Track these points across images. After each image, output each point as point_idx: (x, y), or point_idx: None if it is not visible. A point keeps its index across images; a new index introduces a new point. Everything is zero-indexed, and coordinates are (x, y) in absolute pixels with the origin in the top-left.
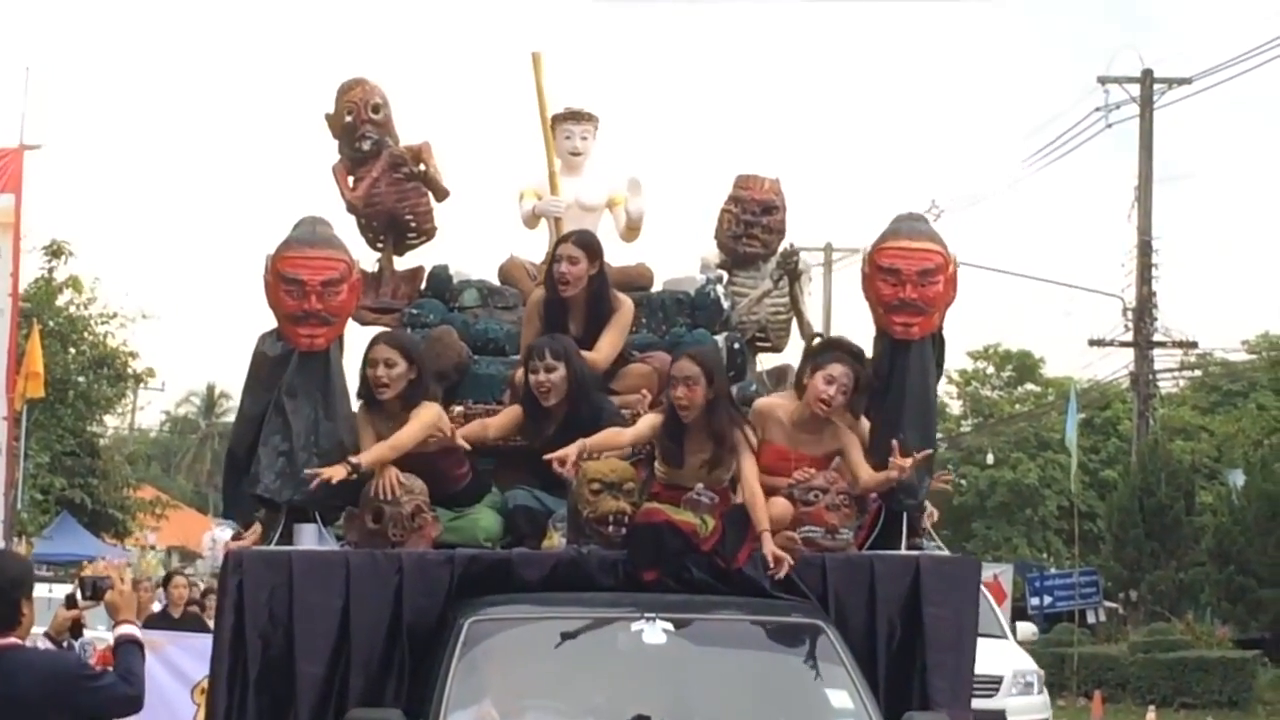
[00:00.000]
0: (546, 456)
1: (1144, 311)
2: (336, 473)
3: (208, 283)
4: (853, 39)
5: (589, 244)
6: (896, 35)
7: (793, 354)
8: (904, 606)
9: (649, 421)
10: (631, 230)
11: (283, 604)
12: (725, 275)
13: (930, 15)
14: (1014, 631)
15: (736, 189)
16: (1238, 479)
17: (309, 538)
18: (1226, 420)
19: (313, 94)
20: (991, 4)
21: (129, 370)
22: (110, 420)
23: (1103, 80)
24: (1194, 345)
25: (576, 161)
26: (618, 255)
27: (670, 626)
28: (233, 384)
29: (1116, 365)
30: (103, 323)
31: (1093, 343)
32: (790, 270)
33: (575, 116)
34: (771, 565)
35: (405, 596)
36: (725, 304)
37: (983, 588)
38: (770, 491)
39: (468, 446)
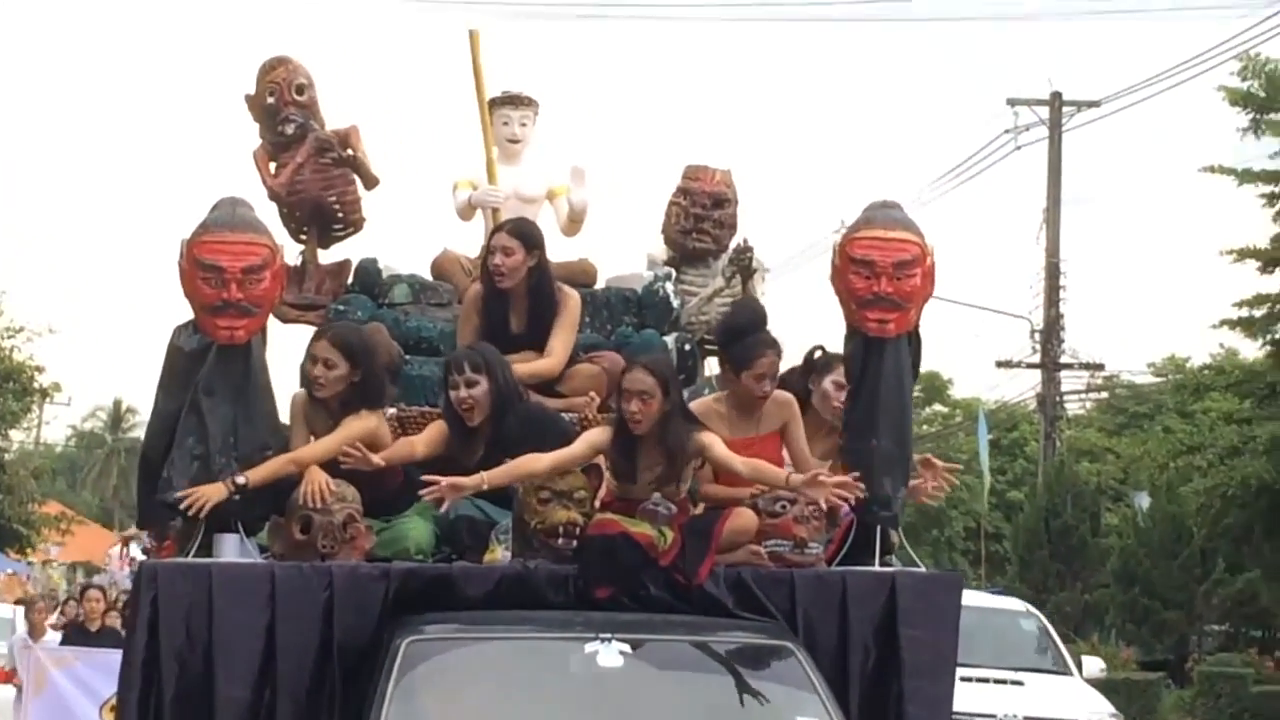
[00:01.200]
0: (427, 492)
1: (1051, 333)
2: (212, 493)
3: (114, 297)
4: (762, 63)
5: (524, 233)
6: (808, 58)
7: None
8: (879, 627)
9: (588, 441)
10: (574, 223)
11: (201, 622)
12: (673, 272)
13: (843, 39)
14: (1080, 667)
15: (685, 180)
16: (1143, 501)
17: (230, 549)
18: (1132, 442)
19: (229, 76)
20: (900, 28)
21: (35, 385)
22: (16, 435)
23: (1012, 102)
24: (1101, 367)
25: (514, 149)
26: (559, 250)
27: (627, 648)
28: (140, 399)
29: (1024, 386)
30: (8, 337)
31: (1000, 364)
32: (744, 267)
33: (514, 101)
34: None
35: (336, 614)
36: (675, 303)
37: None
38: (733, 501)
39: (379, 463)
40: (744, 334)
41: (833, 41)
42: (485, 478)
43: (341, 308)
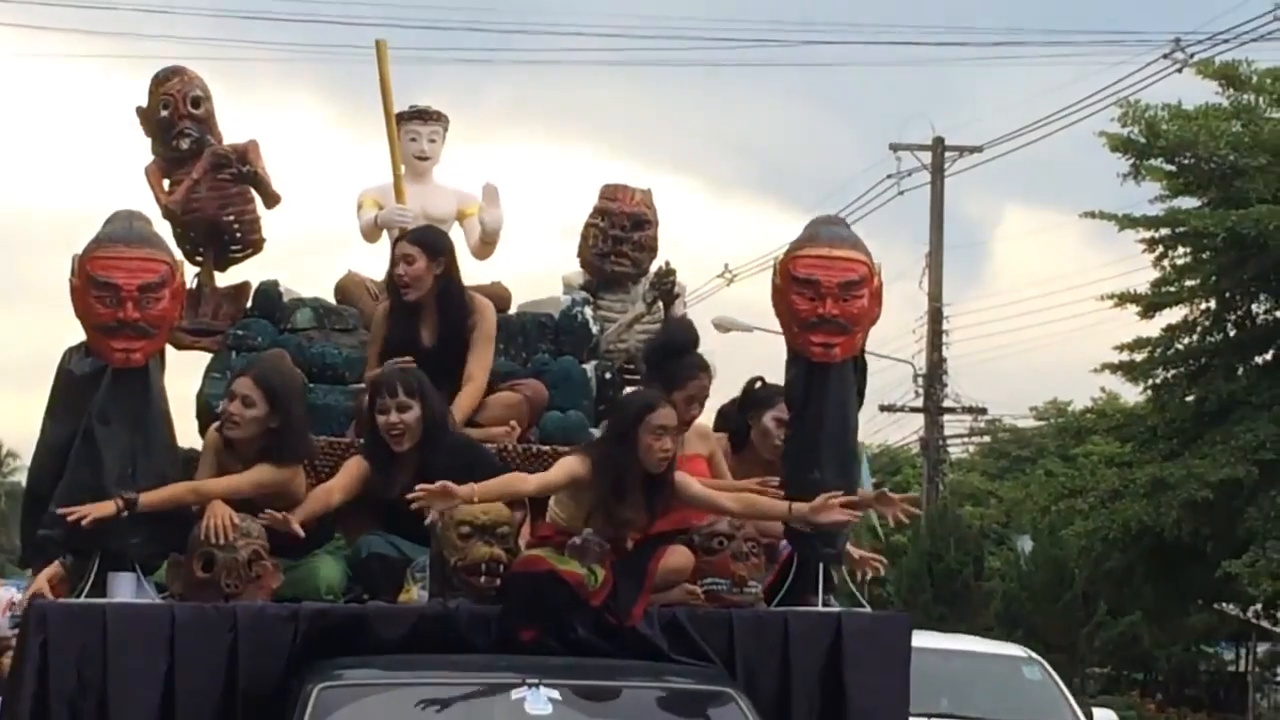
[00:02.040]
0: (414, 493)
1: (934, 377)
2: (102, 509)
3: None
4: (649, 108)
5: (426, 240)
6: (695, 103)
7: None
8: (824, 671)
9: (567, 469)
10: (486, 245)
11: (95, 667)
12: (590, 297)
13: (727, 84)
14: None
15: (603, 200)
16: (1025, 544)
17: (125, 588)
18: (1015, 486)
19: (120, 88)
20: (782, 72)
21: None
22: None
23: (895, 147)
24: (983, 411)
25: (423, 167)
26: (471, 274)
27: (556, 694)
28: (19, 443)
29: (907, 431)
30: None
31: (883, 408)
32: (665, 292)
33: (422, 116)
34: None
35: (241, 658)
36: (594, 329)
37: None
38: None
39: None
40: (676, 354)
41: (716, 86)
42: (476, 490)
43: (240, 332)
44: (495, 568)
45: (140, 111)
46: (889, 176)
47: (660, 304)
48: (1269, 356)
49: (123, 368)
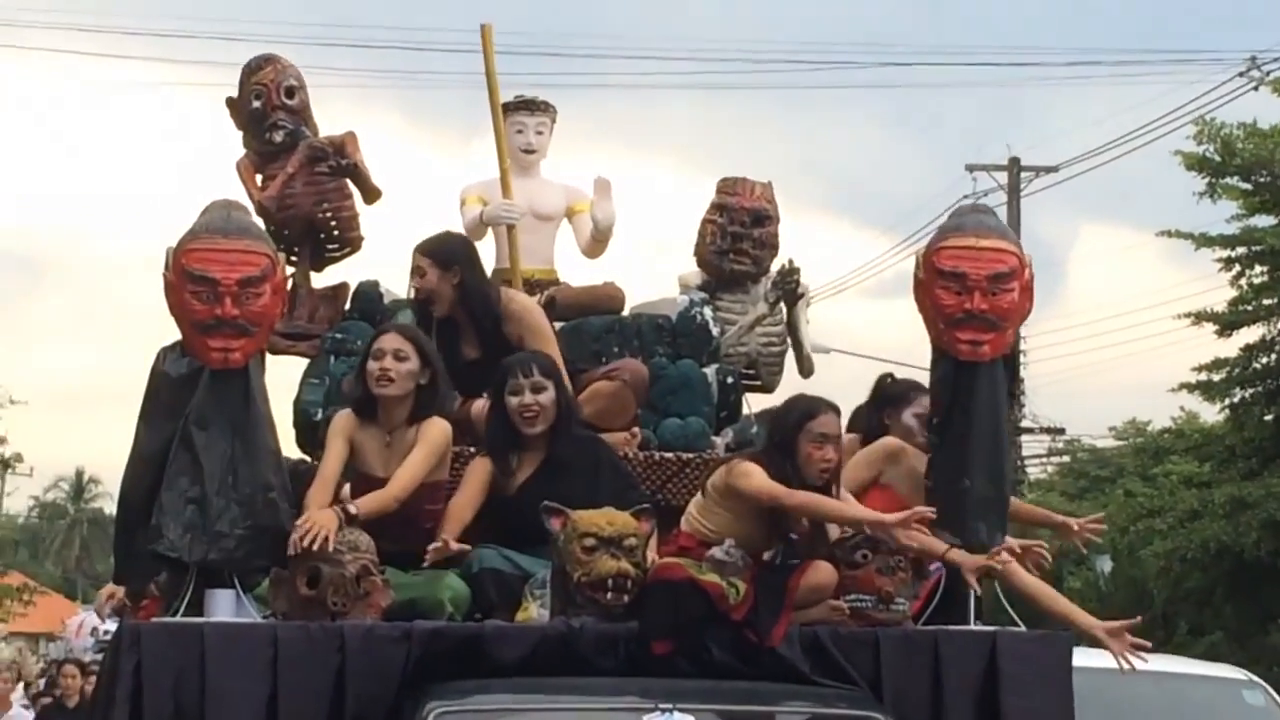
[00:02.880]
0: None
1: (1013, 398)
2: (327, 522)
3: (76, 367)
4: (727, 132)
5: (435, 250)
6: (771, 126)
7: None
8: (978, 696)
9: (771, 490)
10: (598, 242)
11: (193, 691)
12: (709, 298)
13: (803, 107)
14: None
15: (721, 195)
16: (1105, 565)
17: (224, 607)
18: (1094, 506)
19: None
20: (857, 95)
21: None
22: None
23: (971, 168)
24: (1062, 431)
25: (530, 160)
26: (579, 273)
27: (691, 719)
28: (102, 469)
29: None
30: None
31: None
32: (789, 292)
33: (529, 106)
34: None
35: (349, 681)
36: (714, 330)
37: None
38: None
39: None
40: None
41: (794, 109)
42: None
43: (339, 336)
44: (623, 583)
45: (231, 103)
46: (965, 197)
47: (783, 305)
48: None
49: (221, 368)
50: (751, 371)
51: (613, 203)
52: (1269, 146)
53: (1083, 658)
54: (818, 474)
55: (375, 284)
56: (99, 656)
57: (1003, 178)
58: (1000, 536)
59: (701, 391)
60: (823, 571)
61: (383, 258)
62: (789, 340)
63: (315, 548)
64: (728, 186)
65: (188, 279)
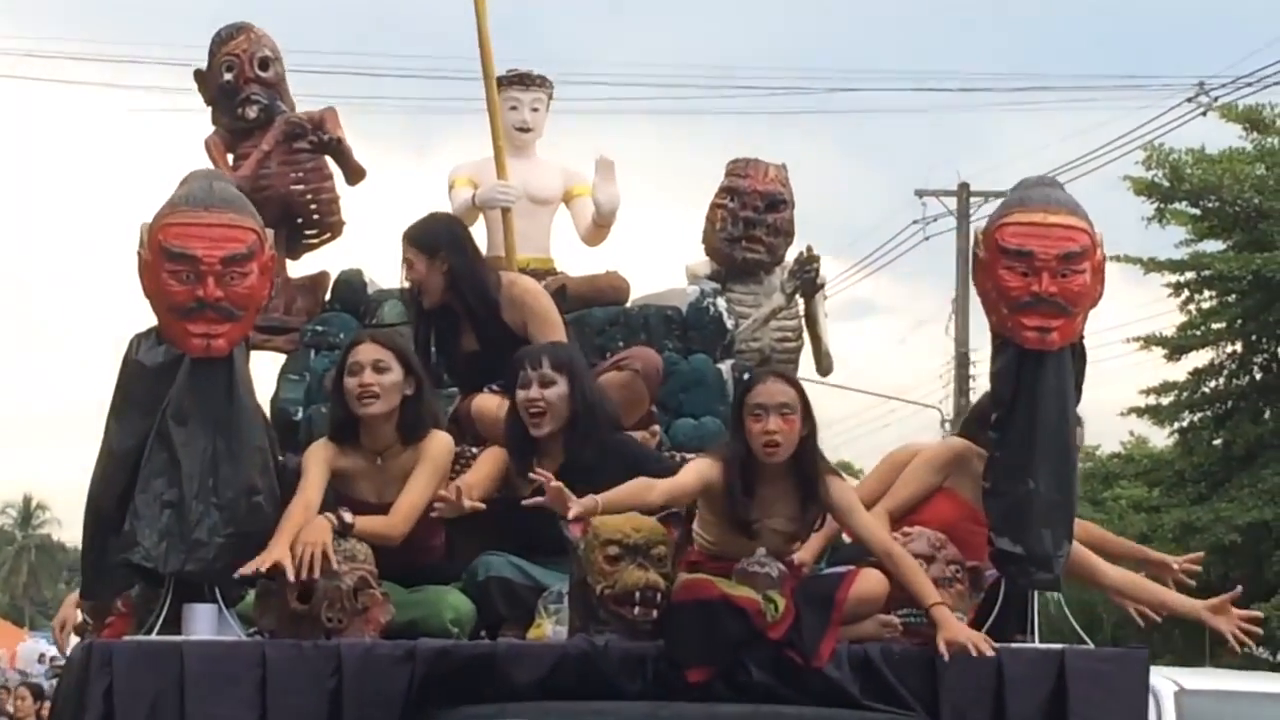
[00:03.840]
0: (531, 503)
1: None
2: (320, 536)
3: (20, 389)
4: (672, 156)
5: (418, 238)
6: (716, 150)
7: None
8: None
9: (697, 471)
10: (600, 228)
11: (171, 718)
12: (720, 288)
13: (751, 132)
14: None
15: (731, 178)
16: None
17: (204, 623)
18: None
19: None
20: (807, 120)
21: None
22: None
23: (920, 193)
24: None
25: (524, 140)
26: (580, 263)
27: None
28: (50, 495)
29: None
30: None
31: None
32: (808, 282)
33: (523, 81)
34: (974, 652)
35: (346, 705)
36: (728, 322)
37: None
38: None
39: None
40: None
41: (744, 134)
42: (601, 500)
43: (319, 329)
44: (651, 596)
45: (199, 76)
46: (915, 222)
47: (800, 297)
48: None
49: (202, 357)
50: (763, 367)
51: (617, 185)
52: (1217, 172)
53: (1196, 679)
54: (762, 450)
55: (358, 273)
56: (54, 682)
57: (952, 203)
58: (1066, 545)
59: (716, 389)
60: (872, 581)
61: (366, 244)
62: (805, 335)
63: (317, 574)
64: (738, 168)
65: (165, 257)
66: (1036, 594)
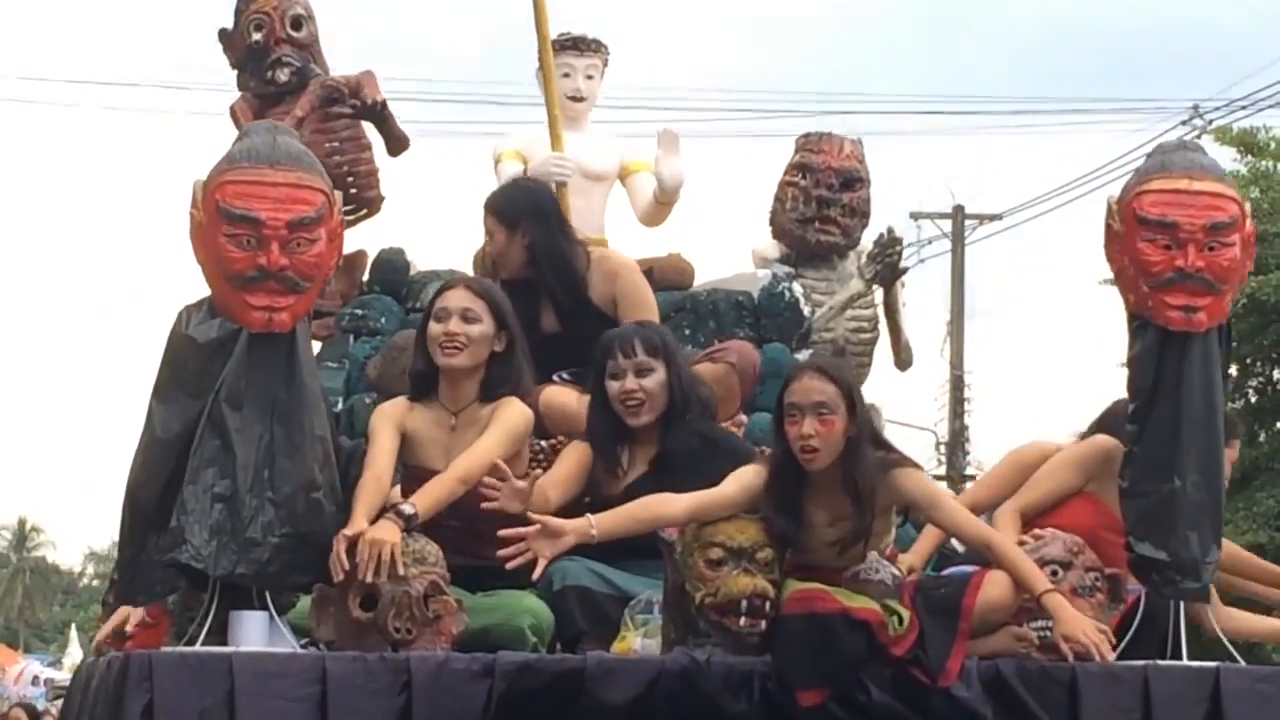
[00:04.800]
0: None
1: (956, 445)
2: (389, 536)
3: (16, 411)
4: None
5: (497, 206)
6: (717, 174)
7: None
8: None
9: (741, 481)
10: (663, 205)
11: None
12: (794, 272)
13: (750, 153)
14: None
15: (803, 153)
16: None
17: (254, 632)
18: None
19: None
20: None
21: None
22: None
23: (915, 215)
24: None
25: (577, 110)
26: (640, 244)
27: None
28: (45, 518)
29: None
30: None
31: None
32: (890, 267)
33: (577, 46)
34: (1096, 656)
35: None
36: (805, 308)
37: None
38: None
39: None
40: None
41: (737, 159)
42: (595, 524)
43: (358, 312)
44: (759, 605)
45: (224, 36)
46: (909, 245)
47: (879, 284)
48: None
49: (263, 332)
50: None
51: (681, 159)
52: None
53: None
54: (800, 458)
55: (400, 252)
56: (53, 705)
57: (947, 225)
58: (1215, 551)
59: None
60: (1000, 586)
61: (407, 221)
62: (880, 326)
63: (384, 577)
64: (810, 143)
65: (223, 219)
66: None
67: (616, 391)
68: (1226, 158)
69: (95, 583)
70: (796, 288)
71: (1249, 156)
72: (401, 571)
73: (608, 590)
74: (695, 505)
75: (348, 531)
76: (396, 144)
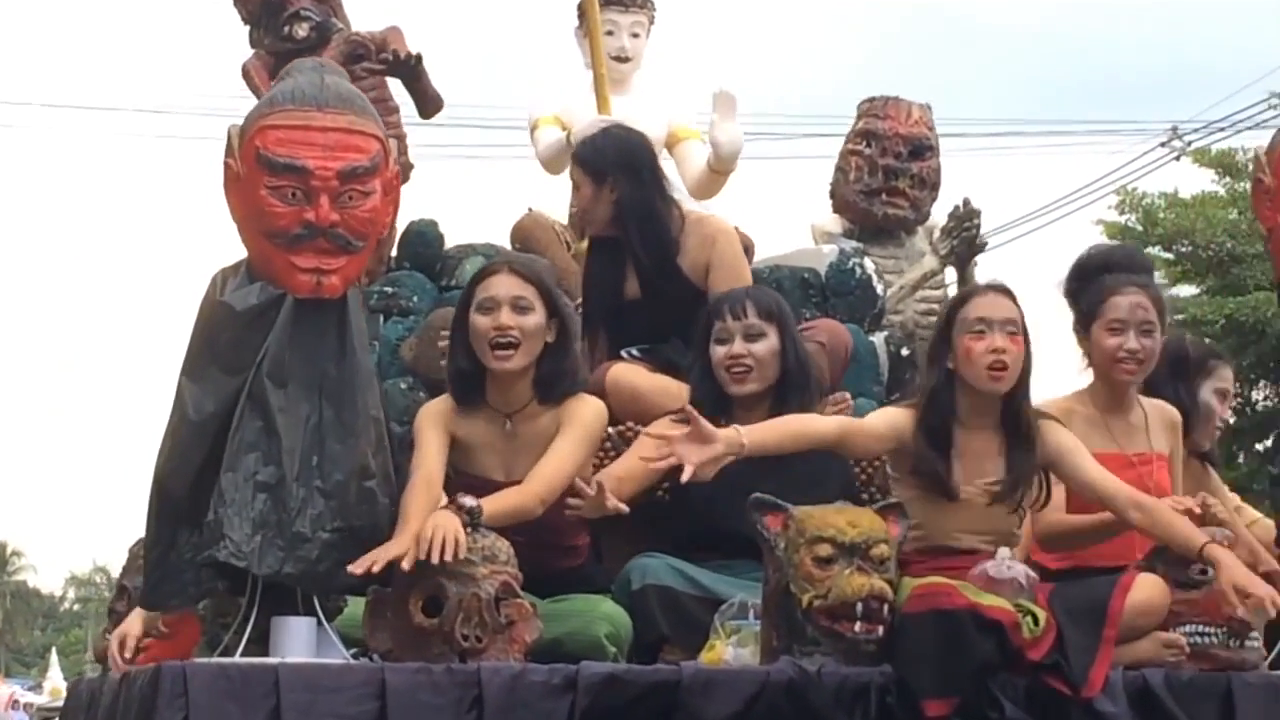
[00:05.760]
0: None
1: None
2: (451, 526)
3: None
4: None
5: (584, 157)
6: None
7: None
8: None
9: (888, 418)
10: (718, 174)
11: None
12: (863, 247)
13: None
14: None
15: (868, 119)
16: None
17: (301, 640)
18: None
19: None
20: (790, 164)
21: None
22: None
23: None
24: None
25: (623, 71)
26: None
27: None
28: (25, 542)
29: None
30: None
31: None
32: (968, 241)
33: (622, 1)
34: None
35: None
36: (878, 287)
37: None
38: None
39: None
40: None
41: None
42: (745, 434)
43: (389, 290)
44: (877, 609)
45: None
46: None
47: (958, 257)
48: (1270, 443)
49: (311, 298)
50: (907, 352)
51: (736, 123)
52: (1190, 216)
53: None
54: (985, 376)
55: (433, 224)
56: None
57: None
58: None
59: (869, 365)
60: (1150, 588)
61: (441, 192)
62: None
63: (449, 558)
64: (875, 108)
65: (265, 168)
66: None
67: (722, 356)
68: (1205, 179)
69: (76, 606)
70: (868, 263)
71: (1227, 178)
72: (463, 554)
73: (693, 591)
74: (843, 428)
75: (378, 553)
76: (430, 105)
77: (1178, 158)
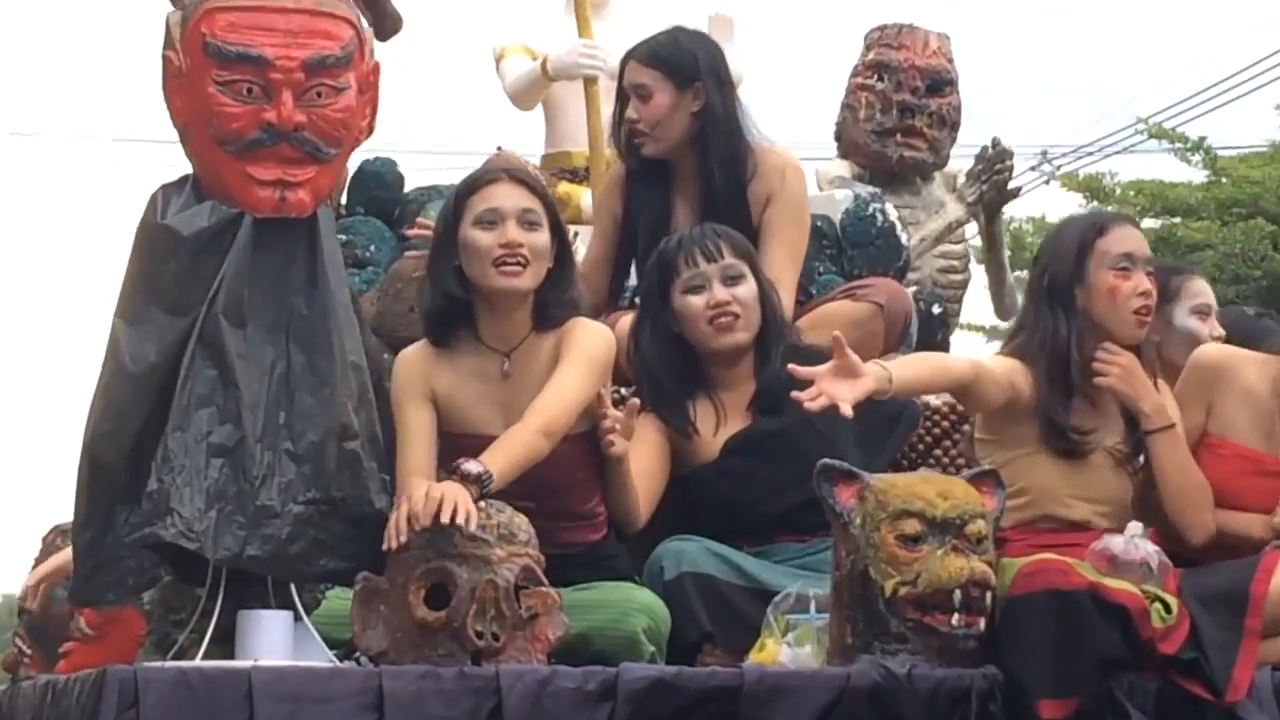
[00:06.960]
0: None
1: None
2: (460, 496)
3: None
4: None
5: (666, 56)
6: None
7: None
8: None
9: (1006, 365)
10: None
11: None
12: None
13: None
14: None
15: (879, 49)
16: None
17: (275, 639)
18: None
19: None
20: None
21: None
22: None
23: None
24: None
25: None
26: None
27: None
28: None
29: None
30: None
31: None
32: (999, 185)
33: None
34: None
35: None
36: (902, 236)
37: None
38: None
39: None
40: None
41: None
42: (892, 370)
43: (342, 238)
44: (978, 598)
45: None
46: None
47: (985, 204)
48: None
49: (274, 217)
50: (939, 310)
51: (737, 48)
52: None
53: None
54: (1132, 320)
55: (390, 164)
56: None
57: None
58: None
59: None
60: None
61: (399, 125)
62: (972, 267)
63: (461, 520)
64: (888, 37)
65: (214, 60)
66: None
67: (701, 306)
68: (1073, 203)
69: None
70: (890, 210)
71: (1094, 202)
72: (475, 527)
73: (738, 580)
74: (977, 370)
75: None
76: (388, 24)
77: (1047, 181)
